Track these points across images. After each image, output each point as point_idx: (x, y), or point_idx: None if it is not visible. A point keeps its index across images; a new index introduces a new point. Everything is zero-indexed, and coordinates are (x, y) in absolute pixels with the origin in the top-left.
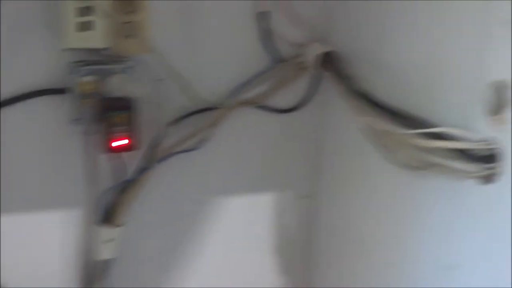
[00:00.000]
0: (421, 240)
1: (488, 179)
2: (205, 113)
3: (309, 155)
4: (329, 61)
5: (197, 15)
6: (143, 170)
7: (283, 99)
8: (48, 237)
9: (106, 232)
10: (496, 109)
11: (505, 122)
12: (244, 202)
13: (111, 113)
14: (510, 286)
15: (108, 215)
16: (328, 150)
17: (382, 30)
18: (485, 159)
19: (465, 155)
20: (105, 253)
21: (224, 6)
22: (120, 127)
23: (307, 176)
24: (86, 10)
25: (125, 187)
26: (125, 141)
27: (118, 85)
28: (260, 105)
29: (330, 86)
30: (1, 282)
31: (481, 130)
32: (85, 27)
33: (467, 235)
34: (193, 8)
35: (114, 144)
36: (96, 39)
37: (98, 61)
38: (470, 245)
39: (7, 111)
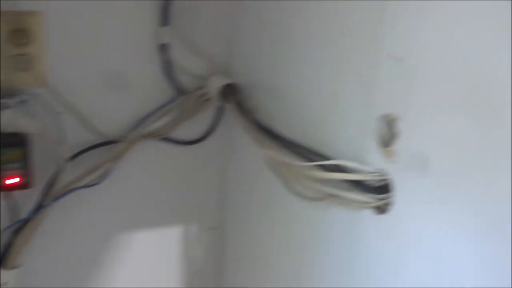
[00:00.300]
0: (323, 269)
1: (381, 209)
2: (107, 147)
3: (215, 186)
4: (231, 93)
5: (97, 46)
6: (39, 208)
7: (187, 131)
8: None
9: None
10: (386, 141)
11: (394, 154)
12: (151, 237)
13: (3, 149)
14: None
15: (1, 257)
16: (233, 181)
17: (278, 63)
18: (378, 190)
19: (360, 186)
20: None
21: (126, 38)
22: (13, 164)
23: (214, 207)
24: None
25: (19, 227)
26: (19, 179)
27: (10, 120)
28: (163, 137)
29: (233, 118)
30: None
31: (374, 162)
32: None
33: (364, 263)
34: (93, 39)
35: (7, 182)
36: None
37: None
38: (365, 274)
39: None
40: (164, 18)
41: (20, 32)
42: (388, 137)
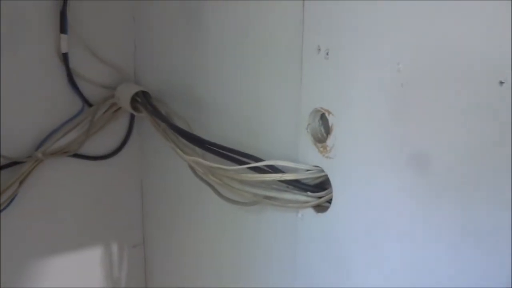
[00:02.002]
0: (263, 274)
1: (320, 207)
2: (10, 168)
3: (135, 201)
4: (143, 102)
5: None
6: None
7: (99, 145)
8: None
9: None
10: (320, 137)
11: (328, 149)
12: (70, 261)
13: None
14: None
15: None
16: (154, 194)
17: (189, 66)
18: (315, 187)
19: (297, 185)
20: None
21: (26, 48)
22: None
23: (136, 223)
24: None
25: None
26: None
27: None
28: (73, 153)
29: (147, 127)
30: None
31: (309, 159)
32: None
33: (306, 264)
34: None
35: None
36: None
37: None
38: (308, 275)
39: None
40: (61, 25)
41: None
42: (321, 132)
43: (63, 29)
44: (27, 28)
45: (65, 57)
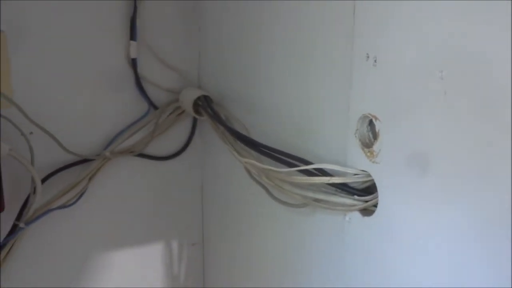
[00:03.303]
0: (311, 276)
1: (367, 211)
2: (81, 165)
3: (194, 200)
4: (205, 106)
5: (66, 63)
6: (13, 232)
7: (162, 146)
8: None
9: None
10: (367, 142)
11: (375, 154)
12: (131, 255)
13: None
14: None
15: None
16: (212, 194)
17: (246, 72)
18: (362, 191)
19: (344, 189)
20: None
21: (98, 54)
22: None
23: (195, 222)
24: None
25: None
26: None
27: None
28: (138, 153)
29: (208, 130)
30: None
31: (357, 164)
32: None
33: (353, 266)
34: (62, 56)
35: None
36: None
37: None
38: (354, 277)
39: None
40: (131, 32)
41: None
42: (369, 137)
43: (132, 36)
44: (102, 35)
45: (133, 63)
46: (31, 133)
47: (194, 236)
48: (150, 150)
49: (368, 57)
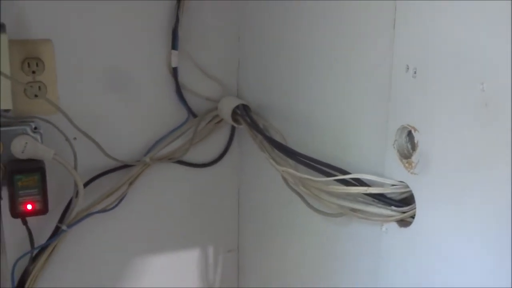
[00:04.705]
0: (347, 285)
1: (404, 222)
2: (121, 171)
3: (231, 208)
4: (243, 115)
5: (110, 70)
6: (56, 234)
7: (200, 153)
8: None
9: None
10: (406, 153)
11: (414, 165)
12: (168, 260)
13: (19, 176)
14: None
15: (19, 284)
16: (249, 202)
17: (286, 81)
18: (400, 202)
19: (382, 199)
20: None
21: (140, 62)
22: (29, 190)
23: (231, 229)
24: None
25: (36, 254)
26: (35, 205)
27: (24, 147)
28: (177, 160)
29: (246, 139)
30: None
31: (394, 175)
32: None
33: (388, 277)
34: (106, 62)
35: (22, 208)
36: None
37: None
38: (388, 285)
39: None
40: (173, 42)
41: (31, 60)
42: (407, 148)
43: (174, 45)
44: (145, 44)
45: (174, 71)
46: (74, 138)
47: (230, 243)
48: (189, 157)
49: (408, 68)
